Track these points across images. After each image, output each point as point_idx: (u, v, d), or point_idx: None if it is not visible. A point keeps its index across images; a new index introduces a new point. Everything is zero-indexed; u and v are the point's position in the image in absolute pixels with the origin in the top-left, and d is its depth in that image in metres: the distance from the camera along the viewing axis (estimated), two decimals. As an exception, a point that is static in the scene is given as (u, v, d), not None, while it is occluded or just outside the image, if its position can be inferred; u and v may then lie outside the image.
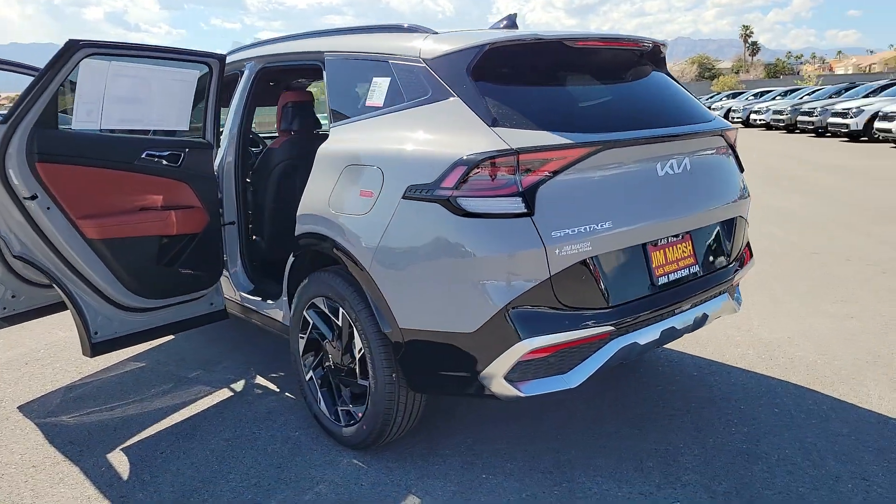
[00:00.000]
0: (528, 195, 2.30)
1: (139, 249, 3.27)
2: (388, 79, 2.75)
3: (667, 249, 2.69)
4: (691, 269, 2.78)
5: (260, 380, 3.78)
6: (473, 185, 2.31)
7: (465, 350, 2.39)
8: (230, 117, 3.80)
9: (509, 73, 2.56)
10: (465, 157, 2.31)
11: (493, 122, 2.37)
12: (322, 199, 2.81)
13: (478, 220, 2.30)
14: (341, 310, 2.81)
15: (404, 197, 2.45)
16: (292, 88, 4.61)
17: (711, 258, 2.91)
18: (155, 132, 3.39)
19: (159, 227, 3.32)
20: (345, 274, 2.80)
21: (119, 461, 2.96)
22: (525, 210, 2.29)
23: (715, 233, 2.93)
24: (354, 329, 2.75)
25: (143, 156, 3.24)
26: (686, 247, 2.78)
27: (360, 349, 2.74)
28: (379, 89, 2.78)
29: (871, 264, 5.76)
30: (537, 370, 2.39)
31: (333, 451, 2.97)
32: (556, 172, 2.34)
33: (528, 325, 2.32)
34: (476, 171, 2.29)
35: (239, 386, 3.71)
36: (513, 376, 2.37)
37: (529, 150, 2.29)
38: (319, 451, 2.97)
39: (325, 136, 4.12)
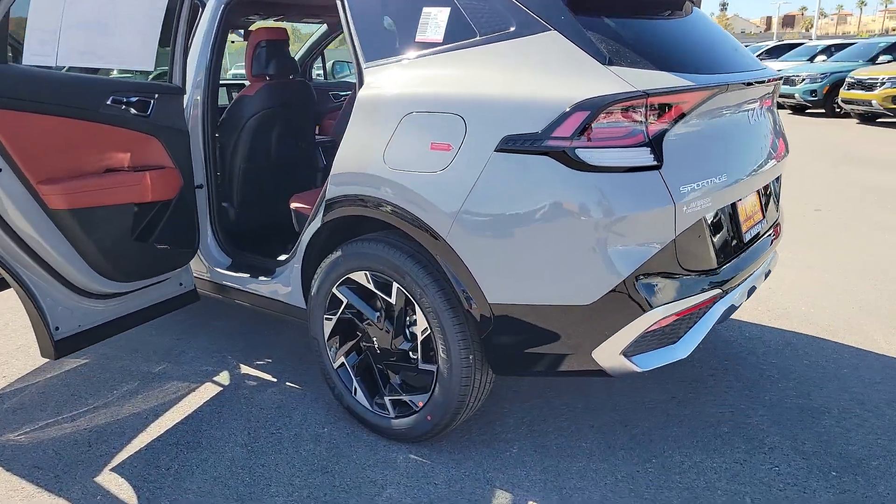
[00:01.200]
0: (656, 145, 2.01)
1: (112, 222, 2.62)
2: (447, 9, 2.31)
3: (746, 204, 2.52)
4: (761, 225, 2.65)
5: (246, 369, 3.24)
6: (596, 133, 1.98)
7: (576, 325, 2.09)
8: (194, 57, 3.15)
9: (610, 2, 2.23)
10: (586, 101, 1.97)
11: (607, 61, 2.04)
12: (372, 154, 2.35)
13: (600, 175, 1.98)
14: (396, 285, 2.39)
15: (499, 150, 2.07)
16: (263, 25, 3.94)
17: (770, 213, 2.79)
18: (119, 73, 2.71)
19: (135, 192, 2.68)
20: (402, 243, 2.38)
21: (117, 486, 2.38)
22: (654, 162, 2.00)
23: (772, 187, 2.82)
24: (418, 307, 2.35)
25: (109, 102, 2.58)
26: (756, 201, 2.64)
27: (425, 330, 2.35)
28: (434, 22, 2.34)
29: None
30: (651, 342, 2.15)
31: (380, 447, 2.57)
32: (679, 119, 2.07)
33: (654, 293, 2.06)
34: (601, 116, 1.96)
35: (223, 378, 3.16)
36: (629, 350, 2.11)
37: (658, 93, 1.99)
38: (364, 449, 2.56)
39: (303, 83, 3.62)
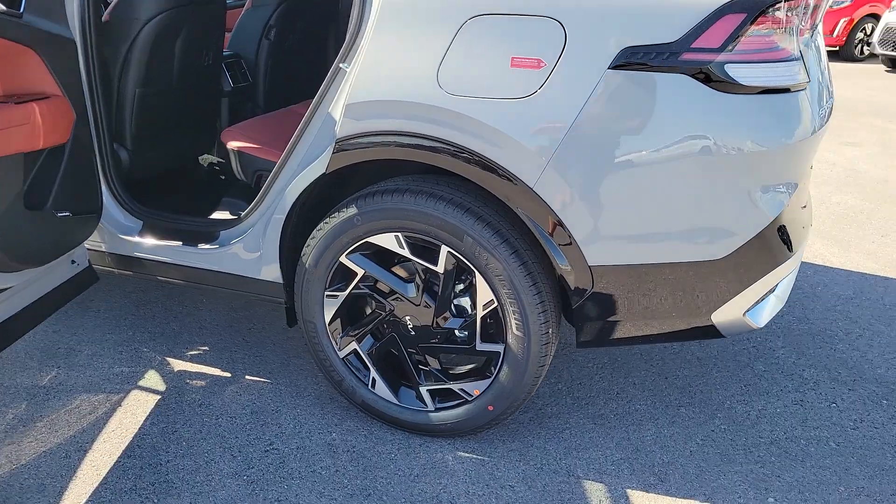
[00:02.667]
0: (804, 59, 1.65)
1: (-1, 185, 1.72)
2: None
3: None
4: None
5: (178, 364, 2.48)
6: (749, 44, 1.56)
7: (700, 284, 1.73)
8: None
9: None
10: (738, 2, 1.53)
11: (746, -48, 1.61)
12: (417, 74, 1.72)
13: (750, 98, 1.58)
14: (446, 249, 1.84)
15: (615, 67, 1.58)
16: None
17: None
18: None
19: (22, 137, 1.78)
20: (459, 195, 1.82)
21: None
22: (807, 79, 1.65)
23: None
24: (479, 275, 1.83)
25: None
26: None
27: (490, 302, 1.85)
28: None
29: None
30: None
31: (415, 448, 2.06)
32: (814, 28, 1.72)
33: (789, 240, 1.75)
34: (756, 23, 1.55)
35: (153, 381, 2.38)
36: (751, 306, 1.81)
37: (809, -6, 1.62)
38: (399, 455, 2.03)
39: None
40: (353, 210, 1.90)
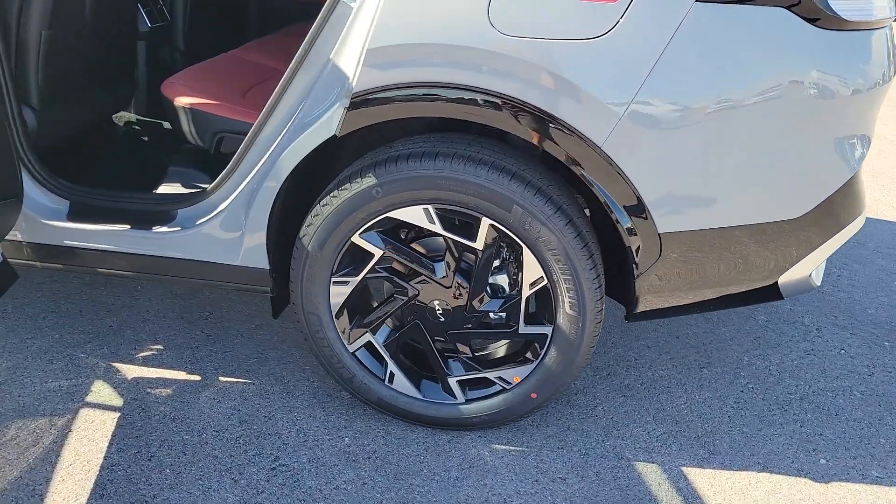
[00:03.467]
0: (889, -7, 1.49)
1: None
2: None
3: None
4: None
5: (128, 369, 2.07)
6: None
7: (772, 245, 1.58)
8: None
9: None
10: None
11: None
12: (461, 11, 1.39)
13: (853, 36, 1.41)
14: (487, 222, 1.57)
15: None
16: None
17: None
18: None
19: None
20: (505, 158, 1.54)
21: None
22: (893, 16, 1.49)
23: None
24: (528, 250, 1.58)
25: None
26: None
27: (538, 280, 1.61)
28: None
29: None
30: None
31: (444, 447, 1.82)
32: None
33: (863, 192, 1.63)
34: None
35: (103, 394, 1.97)
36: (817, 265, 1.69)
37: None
38: (428, 455, 1.79)
39: None
40: (369, 180, 1.57)
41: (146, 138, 2.55)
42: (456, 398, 1.80)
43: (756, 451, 1.85)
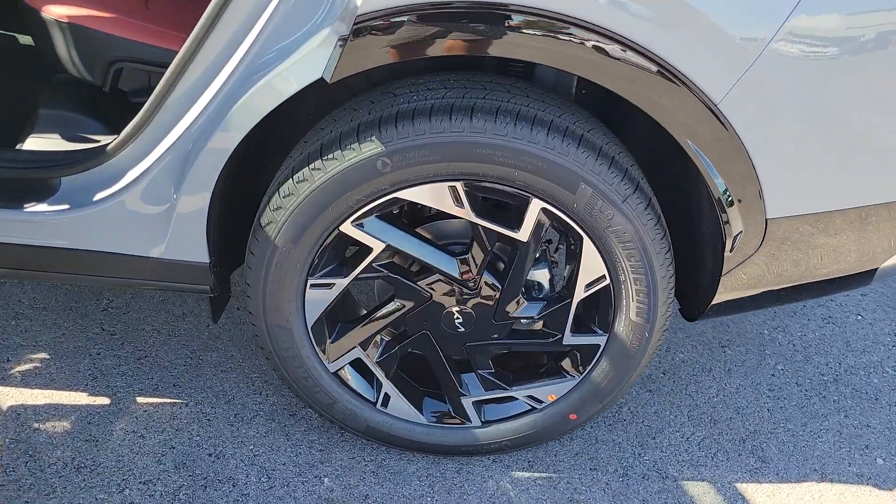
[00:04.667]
0: None
1: None
2: None
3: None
4: None
5: (20, 395, 1.50)
6: None
7: (884, 228, 1.25)
8: None
9: None
10: None
11: None
12: None
13: None
14: (540, 205, 1.12)
15: None
16: None
17: None
18: None
19: None
20: (556, 115, 1.08)
21: None
22: None
23: None
24: (589, 240, 1.16)
25: None
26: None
27: (600, 279, 1.20)
28: None
29: None
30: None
31: (450, 476, 1.43)
32: None
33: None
34: None
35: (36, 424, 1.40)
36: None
37: None
38: (435, 494, 1.39)
39: None
40: (372, 147, 1.06)
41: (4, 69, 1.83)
42: (470, 421, 1.39)
43: (808, 454, 1.60)
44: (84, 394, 1.52)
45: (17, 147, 1.35)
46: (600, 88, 1.04)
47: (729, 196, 1.11)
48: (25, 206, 1.25)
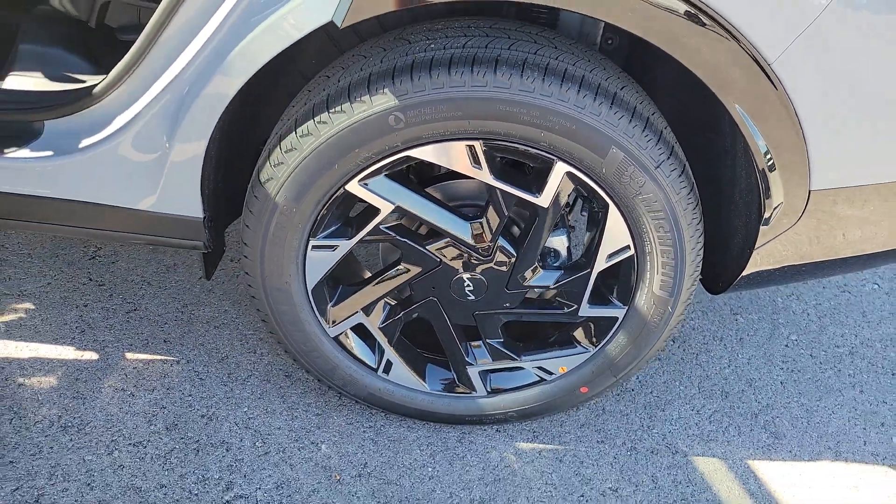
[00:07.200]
0: None
1: None
2: None
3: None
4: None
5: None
6: None
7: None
8: None
9: None
10: None
11: None
12: None
13: None
14: (564, 169, 1.03)
15: None
16: None
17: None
18: None
19: None
20: (587, 70, 0.98)
21: None
22: None
23: None
24: (617, 209, 1.07)
25: None
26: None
27: (625, 248, 1.12)
28: None
29: None
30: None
31: (452, 445, 1.38)
32: None
33: None
34: None
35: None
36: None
37: None
38: (437, 464, 1.34)
39: None
40: (384, 100, 0.96)
41: None
42: (475, 390, 1.33)
43: (822, 430, 1.55)
44: (71, 348, 1.45)
45: (-2, 85, 1.24)
46: (627, 38, 0.94)
47: (772, 163, 1.01)
48: (5, 151, 1.15)
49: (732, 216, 1.21)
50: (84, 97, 1.12)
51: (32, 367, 1.40)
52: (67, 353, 1.44)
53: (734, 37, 0.89)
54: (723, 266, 1.26)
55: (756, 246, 1.13)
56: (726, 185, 1.20)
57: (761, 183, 1.04)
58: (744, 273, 1.21)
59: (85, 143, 1.12)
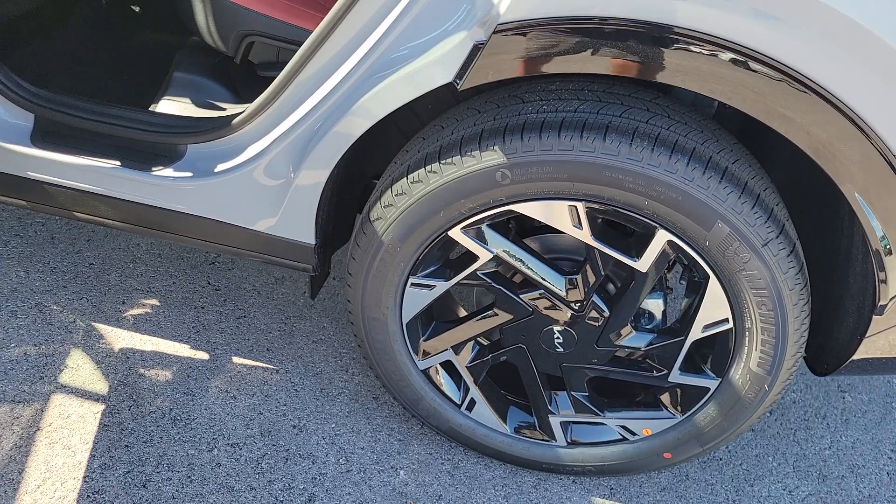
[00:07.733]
0: None
1: None
2: None
3: None
4: None
5: (115, 335, 1.58)
6: None
7: None
8: None
9: None
10: None
11: None
12: None
13: None
14: (666, 237, 1.03)
15: None
16: None
17: None
18: None
19: None
20: (698, 141, 0.98)
21: None
22: None
23: None
24: (718, 282, 1.05)
25: None
26: None
27: (723, 321, 1.10)
28: None
29: None
30: None
31: (527, 490, 1.38)
32: None
33: None
34: None
35: (81, 371, 1.49)
36: None
37: None
38: (510, 508, 1.35)
39: None
40: (494, 157, 1.00)
41: (144, 26, 1.87)
42: (555, 440, 1.34)
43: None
44: (186, 346, 1.58)
45: (151, 108, 1.38)
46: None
47: (889, 248, 0.96)
48: (153, 169, 1.28)
49: (845, 298, 1.15)
50: (224, 126, 1.23)
51: (152, 360, 1.53)
52: (183, 350, 1.57)
53: (863, 131, 0.87)
54: (830, 348, 1.20)
55: (867, 334, 1.08)
56: (841, 266, 1.15)
57: (877, 270, 1.00)
58: (853, 358, 1.15)
59: (220, 167, 1.23)
